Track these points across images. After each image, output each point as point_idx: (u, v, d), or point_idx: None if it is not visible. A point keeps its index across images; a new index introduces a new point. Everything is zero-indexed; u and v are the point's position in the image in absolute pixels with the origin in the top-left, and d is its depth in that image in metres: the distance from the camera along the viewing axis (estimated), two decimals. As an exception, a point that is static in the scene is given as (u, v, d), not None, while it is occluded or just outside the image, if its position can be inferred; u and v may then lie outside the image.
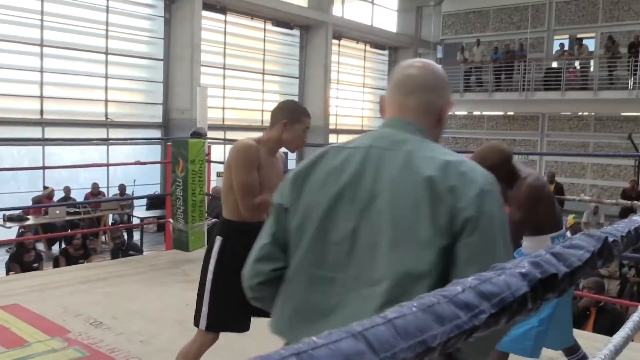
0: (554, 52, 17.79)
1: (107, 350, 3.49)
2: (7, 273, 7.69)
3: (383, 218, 1.23)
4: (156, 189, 12.79)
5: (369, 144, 1.31)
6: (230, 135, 13.95)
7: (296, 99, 17.04)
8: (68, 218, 9.85)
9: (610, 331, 3.90)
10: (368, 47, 19.23)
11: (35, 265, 7.53)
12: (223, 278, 2.67)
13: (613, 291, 7.96)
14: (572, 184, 17.32)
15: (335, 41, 17.45)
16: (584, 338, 3.45)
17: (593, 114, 17.33)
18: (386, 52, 19.93)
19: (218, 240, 2.72)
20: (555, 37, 18.05)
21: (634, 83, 15.13)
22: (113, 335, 3.69)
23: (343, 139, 17.93)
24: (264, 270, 1.37)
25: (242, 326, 2.74)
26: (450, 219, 1.20)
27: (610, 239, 0.65)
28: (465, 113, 19.52)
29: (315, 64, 16.72)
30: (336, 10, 17.24)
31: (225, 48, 15.03)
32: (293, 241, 1.33)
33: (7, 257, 8.73)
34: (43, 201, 9.77)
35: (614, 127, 17.01)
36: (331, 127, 17.30)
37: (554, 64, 17.48)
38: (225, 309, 2.69)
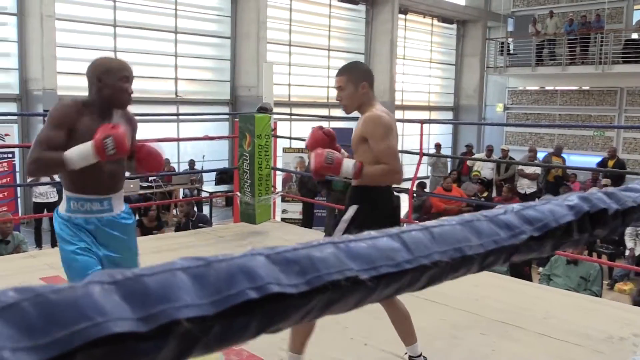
0: (634, 23, 16.87)
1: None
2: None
3: None
4: (225, 164, 13.09)
5: None
6: (296, 111, 14.06)
7: (362, 75, 16.90)
8: (141, 192, 10.26)
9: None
10: (435, 22, 18.83)
11: (112, 236, 7.88)
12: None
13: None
14: (652, 161, 16.52)
15: (401, 16, 17.19)
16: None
17: (676, 87, 16.39)
18: (454, 26, 19.46)
19: (353, 208, 2.69)
20: (636, 7, 17.09)
21: None
22: (183, 301, 3.85)
23: (409, 115, 17.81)
24: None
25: None
26: None
27: (672, 187, 0.63)
28: (537, 88, 18.85)
29: (381, 40, 16.54)
30: (403, -16, 16.95)
31: (290, 25, 15.09)
32: None
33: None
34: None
35: (699, 101, 16.05)
36: (397, 103, 17.12)
37: (634, 35, 16.59)
38: None
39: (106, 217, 2.44)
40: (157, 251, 5.18)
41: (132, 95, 2.49)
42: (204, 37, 13.59)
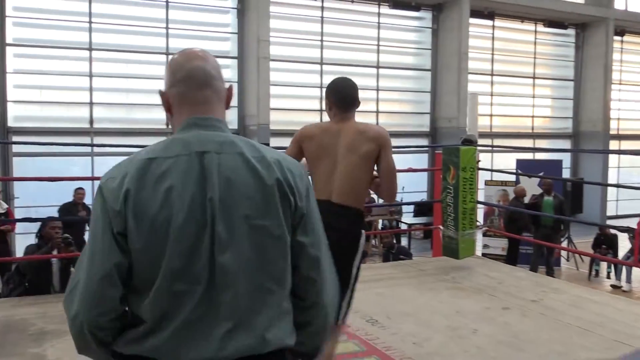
0: None
1: (382, 348, 3.62)
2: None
3: (238, 225, 1.24)
4: (422, 197, 13.03)
5: (196, 149, 1.27)
6: (498, 142, 13.56)
7: (570, 102, 15.93)
8: (343, 222, 10.59)
9: None
10: (659, 41, 17.02)
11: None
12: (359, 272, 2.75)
13: None
14: None
15: (617, 38, 15.82)
16: None
17: None
18: (682, 45, 17.39)
19: (363, 234, 2.72)
20: None
21: None
22: (388, 334, 3.83)
23: (626, 145, 16.19)
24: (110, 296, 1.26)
25: None
26: (292, 215, 1.29)
27: None
28: None
29: (593, 65, 15.36)
30: (618, 4, 15.61)
31: (493, 54, 14.70)
32: (142, 262, 1.23)
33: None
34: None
35: None
36: (612, 132, 15.67)
37: None
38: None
39: None
40: (361, 281, 5.26)
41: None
42: (405, 70, 13.81)
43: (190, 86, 1.34)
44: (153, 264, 1.22)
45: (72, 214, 7.38)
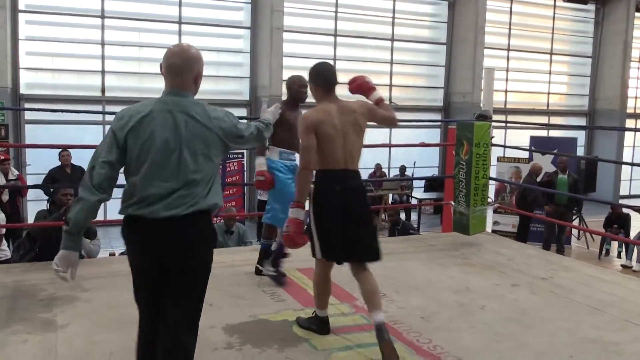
0: None
1: (389, 322, 3.60)
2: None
3: (194, 153, 2.24)
4: (434, 172, 12.95)
5: (171, 108, 2.24)
6: (512, 118, 13.41)
7: (587, 80, 15.70)
8: (353, 195, 10.55)
9: None
10: (681, 18, 16.63)
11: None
12: None
13: None
14: None
15: (638, 14, 15.48)
16: None
17: None
18: None
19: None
20: None
21: None
22: (395, 308, 3.82)
23: (645, 123, 15.88)
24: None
25: None
26: (225, 138, 2.35)
27: None
28: None
29: (613, 41, 15.07)
30: (641, -21, 15.26)
31: (510, 29, 14.46)
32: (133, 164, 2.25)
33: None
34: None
35: None
36: (629, 110, 15.45)
37: None
38: None
39: (293, 163, 4.28)
40: (369, 255, 5.24)
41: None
42: (420, 44, 13.62)
43: (169, 74, 2.31)
44: (140, 168, 2.22)
45: (60, 177, 7.37)
